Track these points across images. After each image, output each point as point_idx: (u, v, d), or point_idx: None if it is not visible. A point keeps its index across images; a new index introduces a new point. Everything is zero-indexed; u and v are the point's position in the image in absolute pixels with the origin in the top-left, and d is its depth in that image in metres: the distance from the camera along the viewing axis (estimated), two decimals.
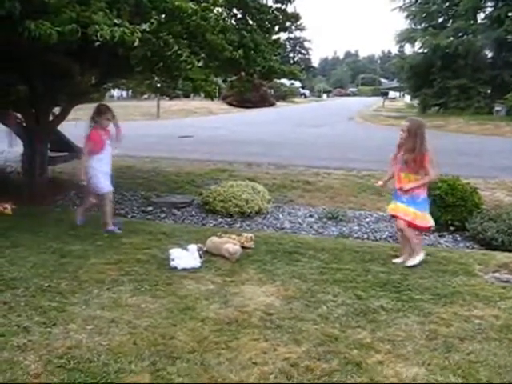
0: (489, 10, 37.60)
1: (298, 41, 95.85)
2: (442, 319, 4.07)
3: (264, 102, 45.35)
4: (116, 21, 5.47)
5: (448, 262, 5.49)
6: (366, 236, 6.75)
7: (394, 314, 4.17)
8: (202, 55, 6.44)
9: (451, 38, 35.25)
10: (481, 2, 36.48)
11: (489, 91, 35.60)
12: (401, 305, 4.33)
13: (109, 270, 5.05)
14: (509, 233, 6.30)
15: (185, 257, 5.22)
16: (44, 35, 5.18)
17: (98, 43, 5.39)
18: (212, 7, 6.15)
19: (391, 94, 76.85)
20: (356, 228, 7.13)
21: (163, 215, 7.77)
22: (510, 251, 6.13)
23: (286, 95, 59.34)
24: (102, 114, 6.47)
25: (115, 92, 45.97)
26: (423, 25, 39.55)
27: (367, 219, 7.61)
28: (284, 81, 50.72)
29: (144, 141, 18.17)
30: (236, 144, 17.55)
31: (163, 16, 5.76)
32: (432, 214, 6.92)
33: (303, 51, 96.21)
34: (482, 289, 4.75)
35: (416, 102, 43.96)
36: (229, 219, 7.43)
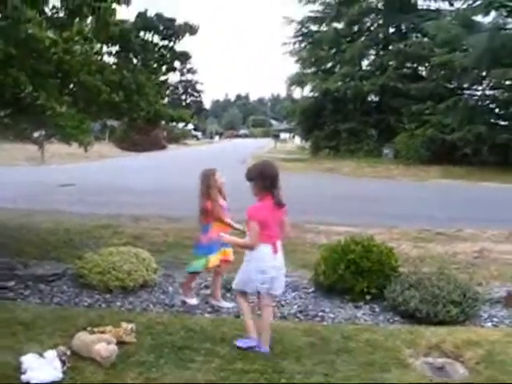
0: (372, 57, 39.23)
1: (190, 83, 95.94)
2: None
3: (155, 145, 44.27)
4: None
5: (374, 349, 4.54)
6: None
7: None
8: (65, 98, 5.18)
9: (340, 83, 36.06)
10: (364, 49, 37.89)
11: (377, 135, 36.61)
12: None
13: None
14: (433, 302, 5.50)
15: (40, 367, 3.88)
16: None
17: None
18: (77, 38, 4.92)
19: (282, 135, 78.20)
20: None
21: (27, 292, 6.24)
22: (435, 324, 5.36)
23: (178, 137, 58.43)
24: None
25: None
26: (313, 69, 40.40)
27: None
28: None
29: (23, 190, 16.33)
30: (122, 193, 16.12)
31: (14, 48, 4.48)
32: (346, 281, 6.09)
33: (195, 94, 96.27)
34: None
35: (307, 144, 44.56)
36: (108, 295, 6.05)
